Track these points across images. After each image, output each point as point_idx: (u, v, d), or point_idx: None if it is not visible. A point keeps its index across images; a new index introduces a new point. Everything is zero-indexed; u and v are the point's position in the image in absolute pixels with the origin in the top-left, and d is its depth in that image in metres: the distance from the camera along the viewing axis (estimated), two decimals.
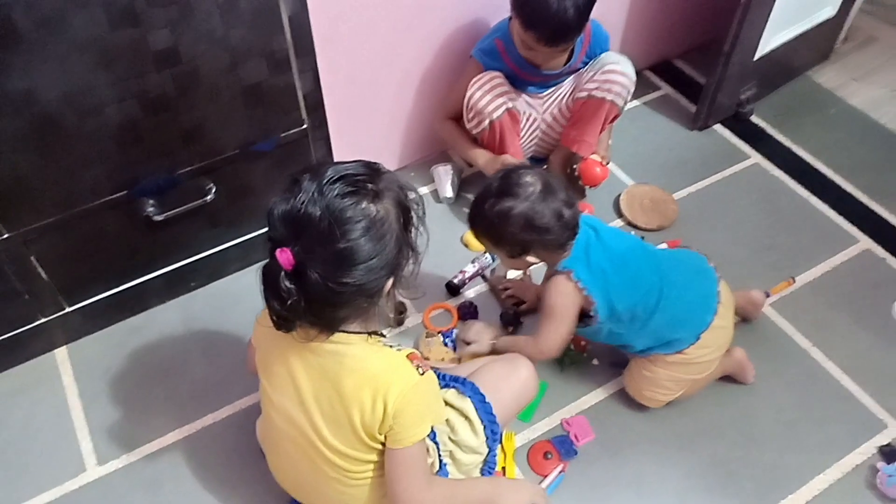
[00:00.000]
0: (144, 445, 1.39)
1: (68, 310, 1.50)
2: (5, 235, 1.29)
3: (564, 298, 1.30)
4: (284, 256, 0.91)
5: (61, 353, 1.54)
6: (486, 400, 1.23)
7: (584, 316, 1.33)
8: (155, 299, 1.60)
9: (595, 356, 1.51)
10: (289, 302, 0.92)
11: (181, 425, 1.42)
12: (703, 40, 2.18)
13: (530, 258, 1.31)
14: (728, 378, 1.47)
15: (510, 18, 1.59)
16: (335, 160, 0.99)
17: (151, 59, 1.22)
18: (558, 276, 1.30)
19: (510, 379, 1.28)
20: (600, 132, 1.73)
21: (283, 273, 0.91)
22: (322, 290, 0.92)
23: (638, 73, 2.13)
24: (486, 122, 1.64)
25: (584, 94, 1.67)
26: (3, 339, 1.45)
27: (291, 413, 1.07)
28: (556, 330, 1.33)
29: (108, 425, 1.42)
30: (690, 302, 1.34)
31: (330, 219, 0.91)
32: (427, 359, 1.47)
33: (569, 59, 1.67)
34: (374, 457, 1.08)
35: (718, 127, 2.03)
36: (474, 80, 1.63)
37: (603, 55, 1.68)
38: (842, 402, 1.46)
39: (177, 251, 1.56)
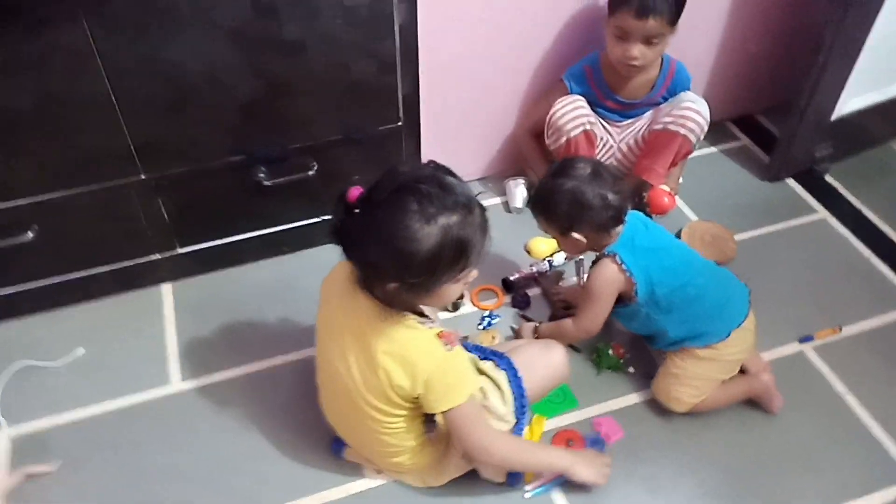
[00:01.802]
0: (221, 372, 1.61)
1: (180, 251, 1.75)
2: (142, 176, 1.56)
3: (606, 280, 1.43)
4: (355, 191, 1.11)
5: (167, 287, 1.79)
6: (519, 374, 1.36)
7: (624, 298, 1.45)
8: (252, 256, 1.83)
9: (632, 364, 1.62)
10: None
11: (253, 361, 1.63)
12: (786, 98, 2.26)
13: (576, 235, 1.43)
14: (754, 404, 1.54)
15: (599, 52, 1.77)
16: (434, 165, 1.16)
17: (280, 48, 1.46)
18: (604, 259, 1.44)
19: (544, 361, 1.41)
20: (672, 166, 1.86)
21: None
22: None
23: (718, 124, 2.28)
24: (564, 138, 1.80)
25: (659, 126, 1.81)
26: (123, 267, 1.71)
27: (337, 364, 1.24)
28: (594, 310, 1.47)
29: (194, 352, 1.65)
30: (725, 300, 1.47)
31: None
32: (467, 337, 1.62)
33: (650, 91, 1.81)
34: (404, 412, 1.24)
35: (791, 181, 2.10)
36: (560, 99, 1.81)
37: (682, 93, 1.82)
38: (866, 448, 1.49)
39: (276, 217, 1.79)
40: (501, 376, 1.36)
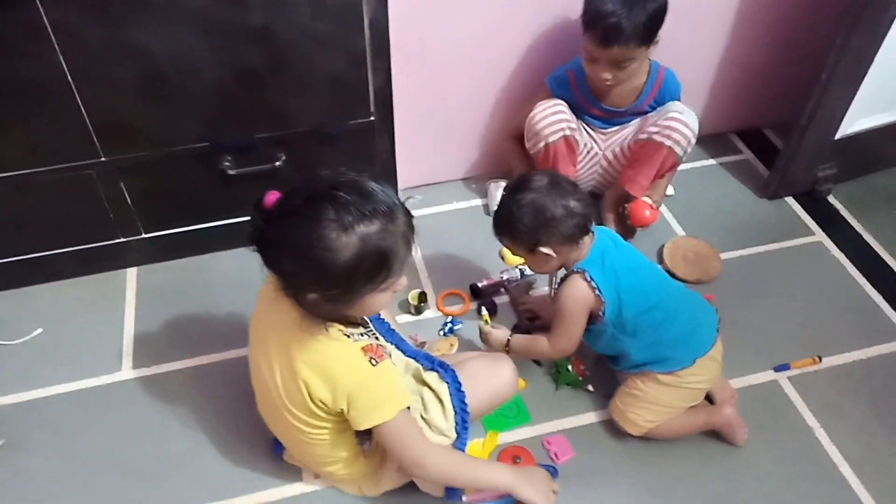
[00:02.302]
0: (173, 362, 1.59)
1: (145, 236, 1.74)
2: (102, 159, 1.53)
3: (577, 298, 1.36)
4: (272, 196, 1.06)
5: (132, 272, 1.78)
6: (462, 389, 1.31)
7: (591, 317, 1.39)
8: (218, 245, 1.80)
9: (592, 382, 1.55)
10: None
11: (206, 353, 1.60)
12: (792, 114, 2.16)
13: (544, 251, 1.35)
14: (717, 435, 1.46)
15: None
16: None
17: (246, 36, 1.42)
18: (573, 276, 1.37)
19: (490, 376, 1.35)
20: (657, 177, 1.78)
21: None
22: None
23: (721, 135, 2.18)
24: (542, 143, 1.73)
25: (644, 136, 1.73)
26: (86, 249, 1.70)
27: (263, 371, 1.20)
28: (568, 330, 1.40)
29: (149, 340, 1.63)
30: (694, 327, 1.41)
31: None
32: (424, 343, 1.57)
33: (636, 100, 1.73)
34: (328, 425, 1.19)
35: (790, 200, 2.00)
36: (540, 103, 1.74)
37: (670, 103, 1.73)
38: (834, 490, 1.40)
39: (243, 207, 1.73)
40: (444, 389, 1.31)
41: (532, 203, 1.32)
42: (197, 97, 1.50)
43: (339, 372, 1.11)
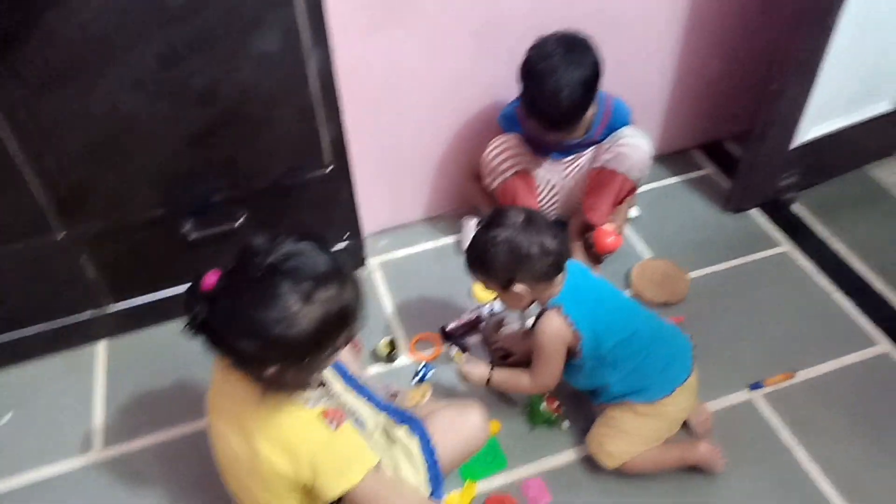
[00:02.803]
0: (144, 437, 1.57)
1: (112, 308, 1.72)
2: (60, 235, 1.53)
3: (553, 334, 1.37)
4: (211, 278, 1.04)
5: (101, 345, 1.76)
6: (432, 444, 1.30)
7: (569, 352, 1.39)
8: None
9: (567, 418, 1.54)
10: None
11: (178, 424, 1.58)
12: (750, 123, 2.18)
13: (518, 288, 1.35)
14: (695, 468, 1.45)
15: None
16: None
17: (195, 98, 1.42)
18: (549, 312, 1.38)
19: (460, 426, 1.34)
20: (617, 203, 1.78)
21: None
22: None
23: (681, 153, 2.19)
24: (499, 180, 1.74)
25: (599, 164, 1.74)
26: (53, 327, 1.69)
27: (224, 444, 1.17)
28: (548, 367, 1.41)
29: (120, 415, 1.61)
30: (670, 355, 1.42)
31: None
32: (395, 395, 1.56)
33: (587, 131, 1.75)
34: (294, 501, 1.15)
35: (755, 211, 2.01)
36: (492, 140, 1.75)
37: (621, 130, 1.74)
38: None
39: (208, 269, 1.75)
40: (415, 444, 1.30)
41: (507, 241, 1.32)
42: (150, 163, 1.49)
43: (299, 442, 1.09)
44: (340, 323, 1.05)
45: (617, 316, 1.40)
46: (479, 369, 1.50)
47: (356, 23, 1.56)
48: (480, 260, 1.37)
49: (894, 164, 2.12)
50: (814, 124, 1.87)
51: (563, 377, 1.48)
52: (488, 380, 1.49)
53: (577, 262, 1.45)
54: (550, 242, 1.32)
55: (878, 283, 1.79)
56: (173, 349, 1.73)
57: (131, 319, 1.76)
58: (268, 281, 1.00)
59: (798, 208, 2.01)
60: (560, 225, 1.93)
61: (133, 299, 1.73)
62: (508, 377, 1.49)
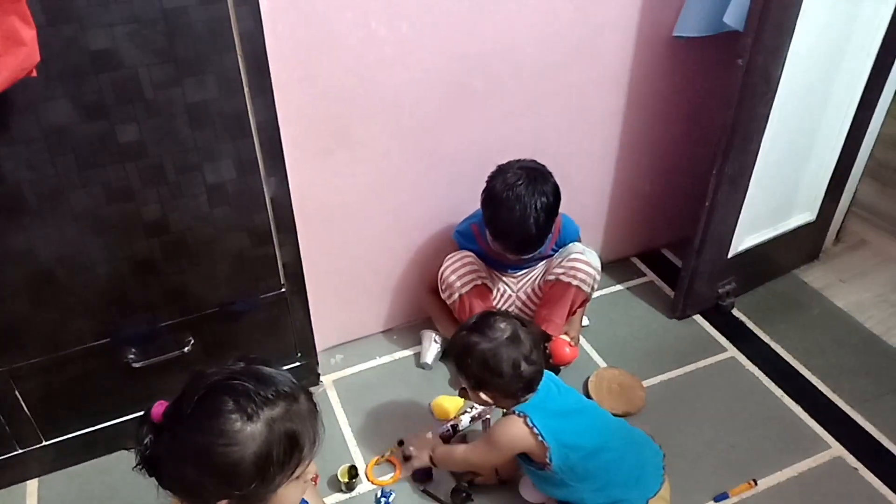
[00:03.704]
0: None
1: (45, 443, 1.60)
2: None
3: (511, 436, 1.38)
4: (159, 408, 1.00)
5: (32, 484, 1.62)
6: None
7: (536, 461, 1.38)
8: (125, 442, 1.68)
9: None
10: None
11: None
12: (685, 232, 2.29)
13: (484, 395, 1.40)
14: None
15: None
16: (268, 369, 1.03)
17: (142, 228, 1.39)
18: (514, 417, 1.38)
19: None
20: (570, 314, 1.81)
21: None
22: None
23: (623, 260, 2.27)
24: (456, 295, 1.77)
25: (552, 277, 1.78)
26: None
27: None
28: (490, 456, 1.44)
29: None
30: (641, 466, 1.42)
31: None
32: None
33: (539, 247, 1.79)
34: None
35: (699, 317, 2.07)
36: (448, 256, 1.79)
37: (571, 245, 1.81)
38: None
39: (153, 397, 1.64)
40: None
41: (484, 353, 1.36)
42: (92, 294, 1.43)
43: None
44: (289, 447, 0.99)
45: (587, 428, 1.42)
46: (419, 458, 1.58)
47: (307, 148, 1.59)
48: (457, 358, 1.41)
49: (821, 268, 2.25)
50: (747, 234, 1.97)
51: (539, 487, 1.49)
52: (432, 460, 1.56)
53: (549, 372, 1.46)
54: (526, 368, 1.36)
55: (822, 386, 1.85)
56: (108, 486, 1.62)
57: (66, 455, 1.64)
58: (209, 400, 0.96)
59: (738, 313, 2.09)
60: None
61: (69, 433, 1.61)
62: (444, 452, 1.55)
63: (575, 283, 1.75)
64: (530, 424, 1.35)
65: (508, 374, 1.34)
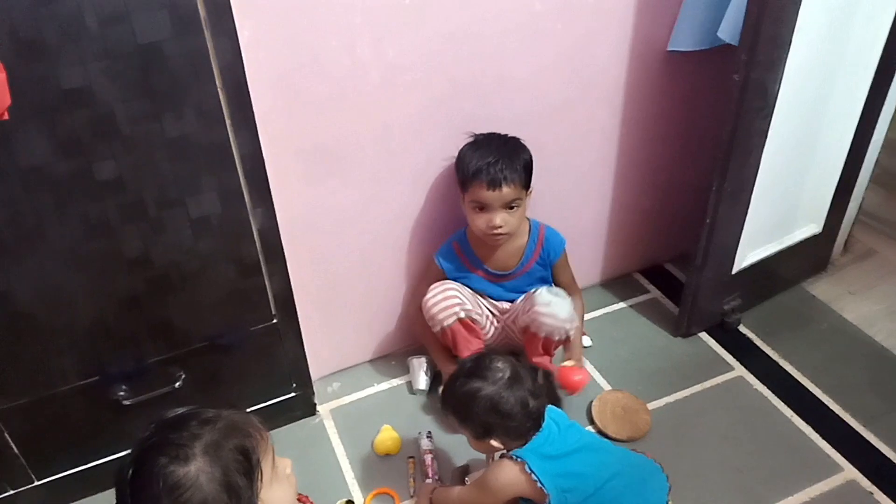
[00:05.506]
0: None
1: (37, 483, 1.57)
2: None
3: (506, 481, 1.34)
4: None
5: None
6: None
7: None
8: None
9: None
10: None
11: None
12: (687, 247, 2.24)
13: (494, 442, 1.36)
14: None
15: (465, 228, 1.75)
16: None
17: (125, 264, 1.36)
18: (510, 462, 1.34)
19: None
20: (552, 352, 1.76)
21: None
22: None
23: (625, 276, 2.23)
24: (439, 327, 1.73)
25: (523, 323, 1.72)
26: None
27: None
28: (484, 500, 1.38)
29: None
30: (643, 499, 1.37)
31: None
32: None
33: (521, 259, 1.78)
34: None
35: (704, 335, 2.02)
36: (431, 287, 1.74)
37: (536, 293, 1.68)
38: None
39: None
40: None
41: (490, 398, 1.32)
42: (76, 333, 1.40)
43: None
44: (241, 454, 1.00)
45: (586, 468, 1.36)
46: (423, 501, 1.53)
47: (295, 176, 1.56)
48: (459, 408, 1.36)
49: (828, 280, 2.19)
50: (751, 249, 1.92)
51: None
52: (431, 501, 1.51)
53: (550, 407, 1.42)
54: (533, 403, 1.33)
55: (832, 404, 1.79)
56: None
57: (57, 495, 1.61)
58: (144, 473, 0.97)
59: (745, 329, 2.03)
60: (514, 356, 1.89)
61: (60, 473, 1.59)
62: (443, 493, 1.50)
63: (543, 333, 1.67)
64: (528, 471, 1.32)
65: (518, 412, 1.32)
